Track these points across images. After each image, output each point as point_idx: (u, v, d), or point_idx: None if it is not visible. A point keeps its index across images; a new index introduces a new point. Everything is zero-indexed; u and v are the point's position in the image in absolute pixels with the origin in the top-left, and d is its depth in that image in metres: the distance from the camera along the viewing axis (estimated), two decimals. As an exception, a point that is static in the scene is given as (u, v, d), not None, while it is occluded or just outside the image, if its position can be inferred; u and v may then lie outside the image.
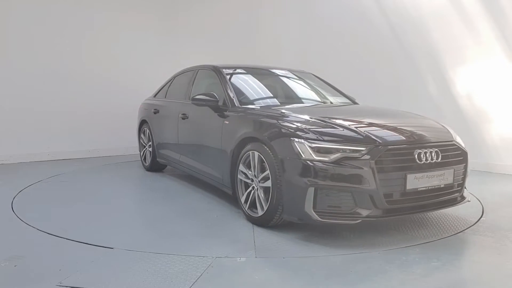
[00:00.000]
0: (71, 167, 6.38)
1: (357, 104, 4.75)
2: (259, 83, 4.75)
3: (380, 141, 3.02)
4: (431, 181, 3.10)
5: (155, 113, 5.76)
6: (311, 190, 2.96)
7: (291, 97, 4.68)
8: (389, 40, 6.95)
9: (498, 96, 5.92)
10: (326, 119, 3.42)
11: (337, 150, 2.96)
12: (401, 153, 3.05)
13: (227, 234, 3.33)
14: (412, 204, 3.10)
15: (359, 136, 3.08)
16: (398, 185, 2.98)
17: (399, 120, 3.69)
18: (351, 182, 2.92)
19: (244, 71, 4.89)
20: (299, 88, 4.92)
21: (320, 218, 2.95)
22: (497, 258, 2.87)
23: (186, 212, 3.92)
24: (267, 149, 3.30)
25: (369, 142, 3.00)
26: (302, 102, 4.53)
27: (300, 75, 5.10)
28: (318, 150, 2.99)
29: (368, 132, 3.13)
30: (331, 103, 4.64)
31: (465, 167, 3.39)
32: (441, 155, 3.18)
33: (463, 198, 3.45)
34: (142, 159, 6.27)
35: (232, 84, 4.39)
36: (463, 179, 3.39)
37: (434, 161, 3.13)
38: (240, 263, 2.72)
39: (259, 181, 3.43)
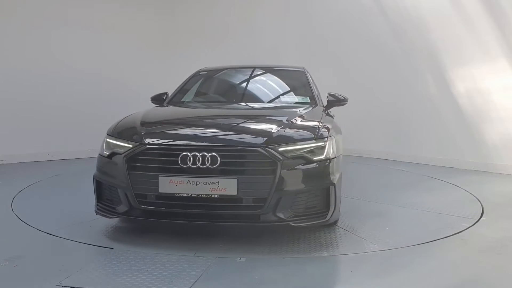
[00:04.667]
0: (71, 167, 6.38)
1: (315, 106, 4.08)
2: (226, 83, 4.90)
3: (143, 140, 2.97)
4: (195, 189, 2.78)
5: None
6: (94, 183, 3.19)
7: (238, 96, 4.50)
8: (389, 40, 6.95)
9: (498, 96, 5.92)
10: (166, 119, 3.54)
11: (114, 146, 3.11)
12: (160, 153, 2.95)
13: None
14: (171, 210, 2.90)
15: (137, 135, 3.08)
16: (152, 187, 2.86)
17: (234, 122, 3.46)
18: (112, 178, 3.04)
19: (227, 72, 4.95)
20: (258, 89, 4.75)
21: (97, 210, 3.16)
22: (497, 258, 2.87)
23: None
24: None
25: (134, 140, 3.02)
26: (237, 102, 4.30)
27: (285, 73, 4.92)
28: (108, 146, 3.18)
29: (152, 131, 3.16)
30: (271, 104, 4.36)
31: (273, 180, 2.76)
32: (220, 161, 2.78)
33: (281, 219, 2.81)
34: None
35: (190, 84, 4.62)
36: (272, 194, 2.75)
37: (205, 166, 2.78)
38: (240, 263, 2.72)
39: None
